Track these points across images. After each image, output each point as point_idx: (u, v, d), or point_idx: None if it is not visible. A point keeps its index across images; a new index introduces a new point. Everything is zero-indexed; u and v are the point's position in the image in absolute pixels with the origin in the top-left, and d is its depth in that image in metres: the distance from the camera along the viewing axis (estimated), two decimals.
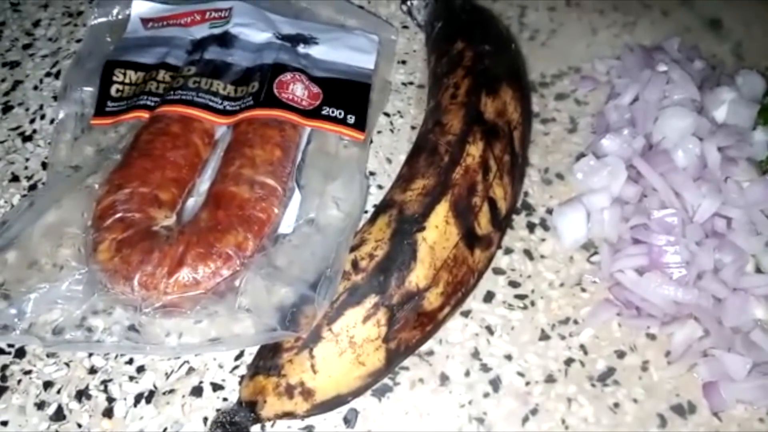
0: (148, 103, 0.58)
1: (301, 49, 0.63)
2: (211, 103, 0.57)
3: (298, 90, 0.58)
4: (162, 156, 0.54)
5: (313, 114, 0.57)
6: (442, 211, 0.47)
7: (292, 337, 0.43)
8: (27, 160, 0.62)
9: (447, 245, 0.46)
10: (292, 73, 0.59)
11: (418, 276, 0.45)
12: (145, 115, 0.57)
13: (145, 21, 0.66)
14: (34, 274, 0.51)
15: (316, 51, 0.64)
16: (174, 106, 0.57)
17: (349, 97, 0.60)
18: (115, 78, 0.60)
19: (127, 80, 0.60)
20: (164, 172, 0.53)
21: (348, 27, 0.68)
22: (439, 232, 0.46)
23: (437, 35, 0.63)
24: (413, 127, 0.63)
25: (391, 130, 0.63)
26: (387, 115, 0.64)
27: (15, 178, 0.61)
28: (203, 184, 0.55)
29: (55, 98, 0.66)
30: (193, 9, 0.66)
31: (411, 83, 0.67)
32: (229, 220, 0.50)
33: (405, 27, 0.71)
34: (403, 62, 0.69)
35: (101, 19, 0.66)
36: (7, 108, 0.66)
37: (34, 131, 0.64)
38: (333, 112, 0.58)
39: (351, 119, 0.58)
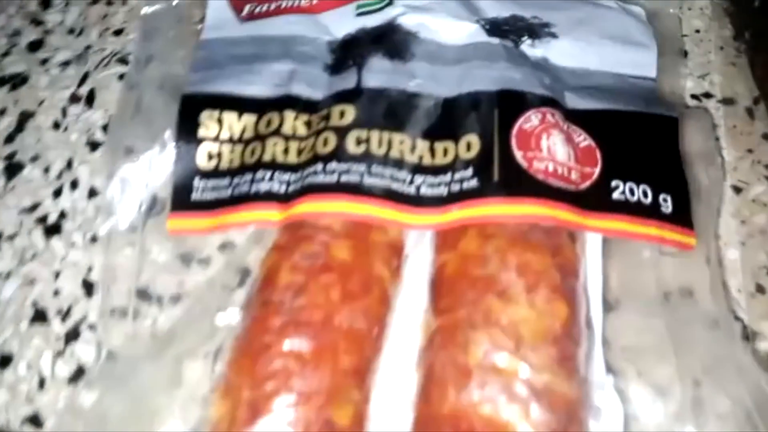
0: (274, 187, 0.30)
1: (529, 48, 0.34)
2: (395, 187, 0.30)
3: (557, 148, 0.30)
4: (327, 324, 0.26)
5: (593, 199, 0.29)
6: None
7: None
8: (56, 277, 0.35)
9: None
10: (538, 109, 0.31)
11: None
12: (273, 214, 0.30)
13: (237, 4, 0.37)
14: None
15: (555, 51, 0.35)
16: (328, 198, 0.29)
17: (644, 152, 0.31)
18: (203, 131, 0.32)
19: (225, 134, 0.32)
20: (337, 361, 0.26)
21: None
22: None
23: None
24: (738, 190, 0.35)
25: None
26: None
27: (41, 317, 0.34)
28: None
29: (91, 145, 0.39)
30: None
31: (708, 96, 0.38)
32: None
33: None
34: (683, 54, 0.39)
35: (158, 5, 0.37)
36: (13, 168, 0.39)
37: (63, 216, 0.37)
38: (631, 191, 0.30)
39: (666, 204, 0.30)
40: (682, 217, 0.30)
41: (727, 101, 0.37)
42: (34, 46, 0.43)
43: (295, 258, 0.28)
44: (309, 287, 0.27)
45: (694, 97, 0.37)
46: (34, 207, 0.37)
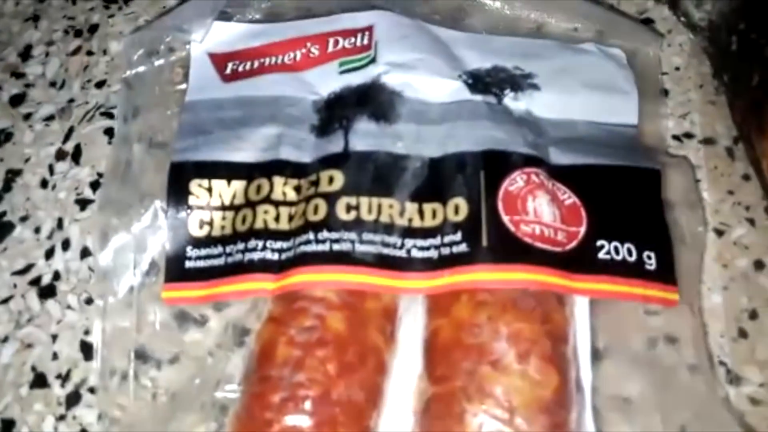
0: (267, 255, 0.31)
1: (512, 102, 0.35)
2: (386, 252, 0.30)
3: (543, 209, 0.31)
4: (326, 398, 0.27)
5: (579, 260, 0.30)
6: None
7: None
8: (54, 340, 0.35)
9: None
10: (523, 170, 0.31)
11: None
12: (267, 284, 0.30)
13: (219, 62, 0.37)
14: None
15: (538, 104, 0.35)
16: (320, 268, 0.30)
17: (627, 207, 0.32)
18: (193, 199, 0.33)
19: (215, 201, 0.33)
20: None
21: (559, 35, 0.39)
22: None
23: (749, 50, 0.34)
24: (720, 233, 0.35)
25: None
26: None
27: (41, 381, 0.35)
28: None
29: (80, 203, 0.39)
30: (304, 34, 0.37)
31: (689, 136, 0.38)
32: None
33: (647, 20, 0.42)
34: (663, 92, 0.40)
35: (140, 68, 0.37)
36: (4, 228, 0.39)
37: (57, 277, 0.37)
38: (616, 250, 0.31)
39: (650, 261, 0.31)
40: (666, 274, 0.31)
41: (708, 141, 0.38)
42: (16, 100, 0.42)
43: (291, 332, 0.28)
44: (306, 362, 0.28)
45: (675, 137, 0.38)
46: (27, 268, 0.37)
